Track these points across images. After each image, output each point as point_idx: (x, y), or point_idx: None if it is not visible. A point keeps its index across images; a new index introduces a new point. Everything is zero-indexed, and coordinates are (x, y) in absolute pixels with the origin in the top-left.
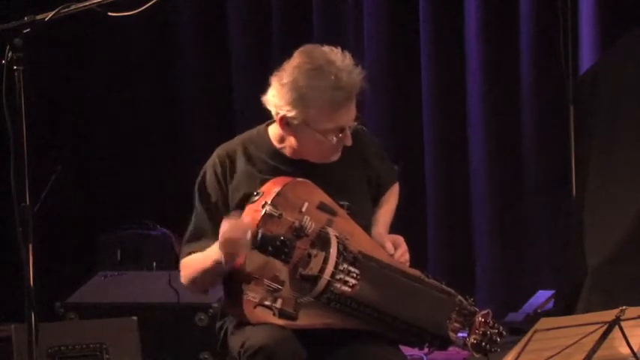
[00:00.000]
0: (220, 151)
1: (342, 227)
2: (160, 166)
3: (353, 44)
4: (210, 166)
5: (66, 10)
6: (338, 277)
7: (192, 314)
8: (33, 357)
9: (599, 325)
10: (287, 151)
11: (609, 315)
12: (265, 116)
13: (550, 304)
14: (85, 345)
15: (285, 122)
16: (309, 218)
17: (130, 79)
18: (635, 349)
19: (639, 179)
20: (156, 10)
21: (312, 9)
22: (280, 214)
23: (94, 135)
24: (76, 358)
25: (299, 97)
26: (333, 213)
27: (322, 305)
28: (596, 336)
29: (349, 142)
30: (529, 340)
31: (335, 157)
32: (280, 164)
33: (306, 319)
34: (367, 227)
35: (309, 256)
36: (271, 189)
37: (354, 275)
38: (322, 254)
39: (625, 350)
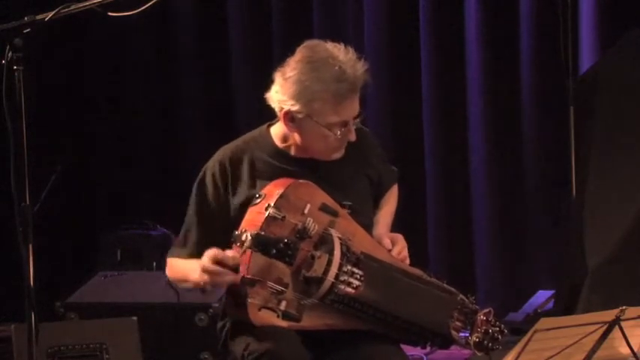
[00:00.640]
0: (221, 154)
1: (345, 228)
2: (159, 166)
3: (353, 44)
4: (210, 170)
5: (66, 10)
6: (342, 278)
7: (192, 314)
8: (33, 357)
9: (599, 325)
10: (290, 150)
11: (609, 315)
12: (265, 116)
13: (550, 304)
14: (85, 345)
15: (289, 117)
16: (311, 220)
17: (130, 79)
18: (635, 349)
19: (639, 179)
20: (156, 10)
21: (312, 9)
22: (283, 217)
23: (94, 135)
24: (76, 358)
25: (303, 90)
26: (335, 214)
27: (325, 307)
28: (596, 336)
29: (353, 138)
30: (529, 340)
31: (339, 154)
32: (284, 164)
33: (310, 321)
34: (369, 227)
35: (313, 257)
36: (273, 191)
37: (358, 276)
38: (326, 256)
39: (625, 350)
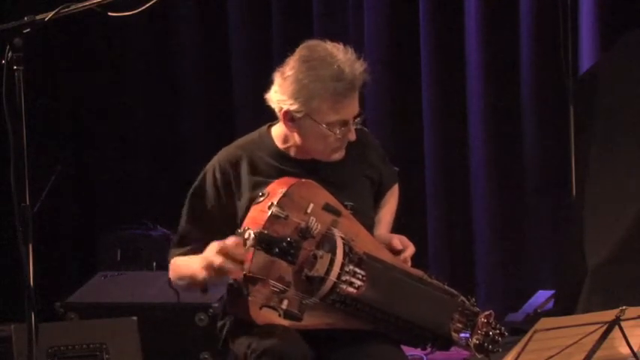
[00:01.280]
0: (222, 157)
1: (347, 228)
2: (159, 167)
3: (353, 44)
4: (211, 172)
5: (66, 10)
6: (344, 278)
7: (192, 314)
8: (33, 357)
9: (599, 325)
10: (291, 151)
11: (609, 315)
12: (265, 116)
13: (550, 304)
14: (85, 345)
15: (288, 117)
16: (314, 219)
17: (130, 79)
18: (635, 349)
19: (639, 179)
20: (156, 10)
21: (312, 9)
22: (287, 216)
23: (94, 135)
24: (76, 358)
25: (301, 89)
26: (337, 214)
27: (327, 306)
28: (596, 336)
29: (353, 137)
30: (529, 340)
31: (339, 156)
32: (284, 165)
33: (311, 320)
34: (370, 227)
35: (315, 257)
36: (277, 190)
37: (360, 277)
38: (328, 255)
39: (625, 350)
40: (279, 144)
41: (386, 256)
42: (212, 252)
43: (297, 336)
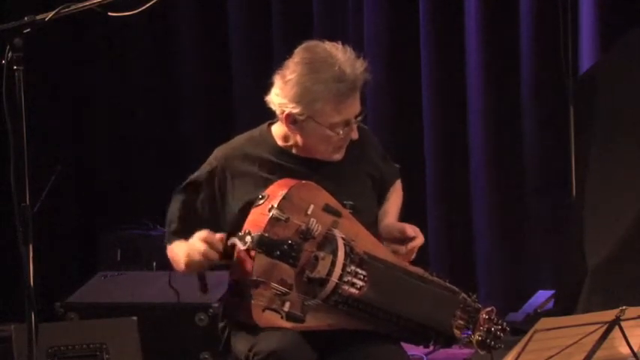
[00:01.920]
0: (220, 153)
1: (348, 228)
2: (159, 166)
3: (353, 45)
4: (207, 167)
5: (66, 10)
6: (346, 279)
7: (192, 314)
8: (33, 357)
9: (599, 325)
10: (292, 149)
11: (609, 315)
12: (265, 116)
13: (550, 304)
14: (85, 345)
15: (291, 120)
16: (315, 221)
17: (130, 78)
18: (635, 349)
19: (639, 179)
20: (156, 10)
21: (312, 9)
22: (287, 218)
23: (94, 135)
24: (76, 358)
25: (304, 92)
26: (338, 214)
27: (329, 307)
28: (596, 336)
29: (356, 136)
30: (529, 340)
31: (340, 156)
32: (285, 162)
33: (313, 321)
34: (371, 225)
35: (316, 258)
36: (276, 192)
37: (362, 277)
38: (329, 257)
39: (625, 350)
40: (279, 142)
41: (386, 256)
42: (198, 239)
43: (300, 338)
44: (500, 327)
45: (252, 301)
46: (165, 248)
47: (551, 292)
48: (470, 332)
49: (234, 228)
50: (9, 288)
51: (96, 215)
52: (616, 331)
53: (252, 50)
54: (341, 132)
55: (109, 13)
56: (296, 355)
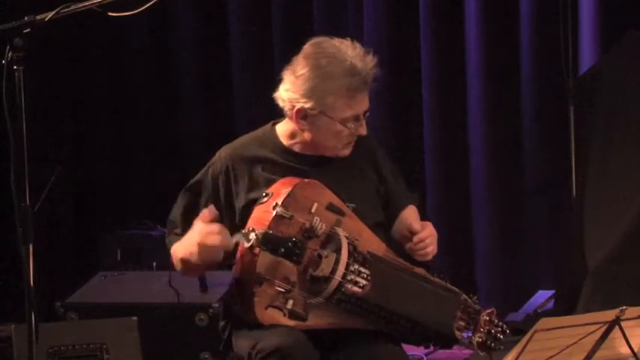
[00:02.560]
0: (223, 153)
1: (351, 227)
2: (160, 166)
3: None
4: (211, 169)
5: (66, 10)
6: (349, 277)
7: (192, 314)
8: (33, 357)
9: (599, 325)
10: (297, 148)
11: (609, 315)
12: (265, 115)
13: (550, 304)
14: (85, 345)
15: (301, 115)
16: (319, 219)
17: (130, 79)
18: (635, 349)
19: (639, 179)
20: (156, 10)
21: (312, 9)
22: (291, 216)
23: (94, 135)
24: (76, 358)
25: (315, 87)
26: (341, 213)
27: (331, 306)
28: (596, 336)
29: (364, 132)
30: (529, 340)
31: (348, 152)
32: (290, 161)
33: (315, 320)
34: (371, 229)
35: (320, 257)
36: (280, 190)
37: (365, 276)
38: (333, 255)
39: (625, 350)
40: (284, 141)
41: (388, 255)
42: (195, 242)
43: (303, 336)
44: (500, 329)
45: (255, 299)
46: (165, 248)
47: (551, 292)
48: (470, 333)
49: (237, 226)
50: (9, 288)
51: (96, 215)
52: (616, 331)
53: (252, 50)
54: (352, 127)
55: (109, 13)
56: (299, 352)
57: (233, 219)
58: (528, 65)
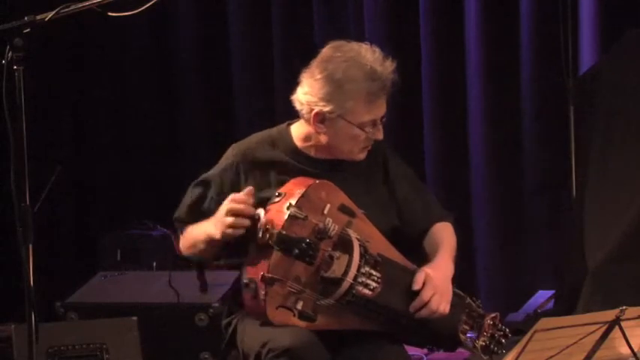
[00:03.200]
0: (235, 150)
1: (362, 229)
2: (160, 166)
3: None
4: (222, 164)
5: (66, 10)
6: (360, 280)
7: (192, 314)
8: (33, 357)
9: (599, 325)
10: (311, 151)
11: (609, 315)
12: (265, 115)
13: (550, 304)
14: (85, 345)
15: (319, 118)
16: (331, 220)
17: (130, 79)
18: (635, 349)
19: (639, 179)
20: (156, 10)
21: (312, 9)
22: (305, 217)
23: (94, 135)
24: (76, 358)
25: (335, 90)
26: (352, 215)
27: (341, 307)
28: (596, 336)
29: (381, 136)
30: (529, 340)
31: (363, 156)
32: (302, 164)
33: (324, 321)
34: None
35: (331, 258)
36: (294, 190)
37: (375, 278)
38: (345, 257)
39: (625, 350)
40: (298, 143)
41: (398, 258)
42: (222, 214)
43: (314, 337)
44: (502, 333)
45: (267, 298)
46: (164, 248)
47: (551, 292)
48: (474, 336)
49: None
50: (9, 288)
51: (96, 215)
52: (616, 331)
53: (252, 50)
54: (370, 131)
55: (109, 13)
56: (310, 353)
57: None
58: (528, 65)
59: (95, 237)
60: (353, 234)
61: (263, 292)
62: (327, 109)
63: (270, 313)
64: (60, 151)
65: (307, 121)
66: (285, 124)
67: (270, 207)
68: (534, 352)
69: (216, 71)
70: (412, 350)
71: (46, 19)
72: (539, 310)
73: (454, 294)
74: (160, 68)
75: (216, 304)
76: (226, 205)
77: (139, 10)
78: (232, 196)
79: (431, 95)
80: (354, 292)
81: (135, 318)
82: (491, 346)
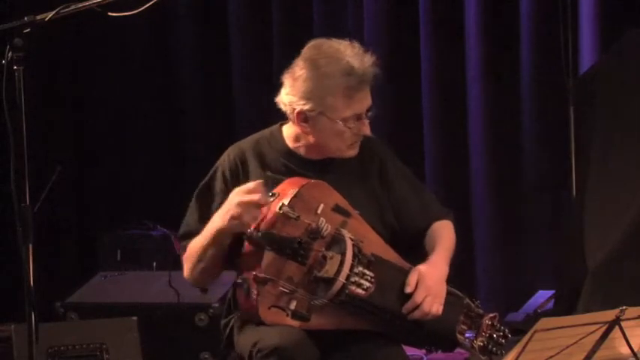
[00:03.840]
0: (232, 153)
1: (356, 229)
2: (159, 166)
3: None
4: (220, 169)
5: (66, 10)
6: (353, 279)
7: (192, 314)
8: (33, 357)
9: (599, 325)
10: (302, 151)
11: (609, 315)
12: (265, 115)
13: (550, 304)
14: (85, 345)
15: (302, 118)
16: (324, 220)
17: (130, 79)
18: (635, 349)
19: (639, 179)
20: (156, 11)
21: (312, 9)
22: (298, 216)
23: (94, 135)
24: (76, 358)
25: (313, 88)
26: (347, 215)
27: (334, 307)
28: (596, 336)
29: (368, 131)
30: (529, 340)
31: (354, 152)
32: (294, 164)
33: (318, 321)
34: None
35: (324, 258)
36: (287, 190)
37: (368, 278)
38: (338, 257)
39: (625, 350)
40: (289, 143)
41: (393, 258)
42: (233, 204)
43: (304, 335)
44: (501, 333)
45: (259, 298)
46: (164, 248)
47: (551, 292)
48: (472, 336)
49: None
50: (9, 288)
51: (96, 215)
52: (616, 331)
53: (252, 50)
54: (353, 126)
55: (109, 13)
56: (299, 352)
57: None
58: (528, 65)
59: (95, 237)
60: (347, 234)
61: (255, 292)
62: (307, 107)
63: (263, 312)
64: (60, 151)
65: (293, 121)
66: (278, 124)
67: (264, 207)
68: (534, 352)
69: (216, 71)
70: (412, 351)
71: (46, 19)
72: (539, 310)
73: (451, 294)
74: (159, 68)
75: (216, 304)
76: (235, 196)
77: (139, 10)
78: (242, 187)
79: (431, 95)
80: (346, 291)
81: (135, 318)
82: (490, 347)
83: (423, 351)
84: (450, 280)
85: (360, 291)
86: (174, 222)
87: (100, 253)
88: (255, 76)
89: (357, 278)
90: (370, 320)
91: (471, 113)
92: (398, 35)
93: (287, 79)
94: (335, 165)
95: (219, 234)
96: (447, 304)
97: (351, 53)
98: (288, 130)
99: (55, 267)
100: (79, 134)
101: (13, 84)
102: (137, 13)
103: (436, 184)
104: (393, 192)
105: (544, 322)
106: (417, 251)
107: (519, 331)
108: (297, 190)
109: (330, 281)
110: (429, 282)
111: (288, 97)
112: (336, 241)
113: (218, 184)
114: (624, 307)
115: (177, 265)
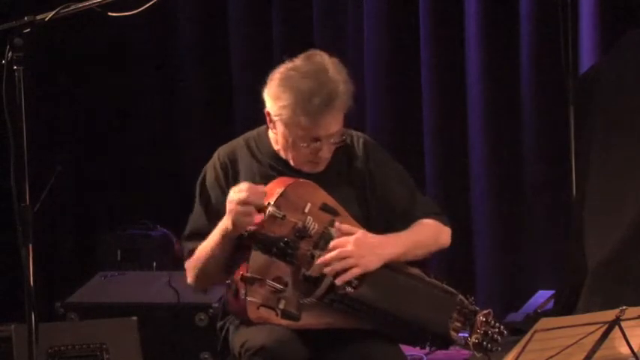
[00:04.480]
0: (221, 151)
1: None
2: (159, 167)
3: (353, 45)
4: (211, 167)
5: (66, 10)
6: None
7: (192, 314)
8: (33, 357)
9: (599, 325)
10: (282, 153)
11: (609, 315)
12: (265, 116)
13: (550, 304)
14: (85, 345)
15: (269, 118)
16: (312, 219)
17: (130, 79)
18: (635, 349)
19: (639, 179)
20: (156, 11)
21: (312, 12)
22: (283, 216)
23: (94, 135)
24: (76, 358)
25: (279, 95)
26: (335, 213)
27: (324, 306)
28: (596, 336)
29: (325, 156)
30: (529, 340)
31: (312, 170)
32: (277, 165)
33: (308, 320)
34: None
35: (312, 256)
36: (274, 190)
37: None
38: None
39: (625, 350)
40: (274, 144)
41: None
42: (234, 203)
43: (292, 335)
44: (497, 330)
45: (248, 298)
46: (164, 248)
47: (551, 292)
48: (467, 334)
49: None
50: (9, 288)
51: (96, 215)
52: (616, 331)
53: (252, 50)
54: (305, 145)
55: (109, 13)
56: (286, 350)
57: None
58: (528, 65)
59: (95, 237)
60: (335, 232)
61: (243, 292)
62: (271, 110)
63: (252, 312)
64: (60, 151)
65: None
66: (265, 126)
67: None
68: (534, 352)
69: (216, 71)
70: (412, 351)
71: (46, 19)
72: (539, 310)
73: (444, 291)
74: (159, 68)
75: (216, 304)
76: (235, 194)
77: (139, 10)
78: (241, 185)
79: (431, 95)
80: (335, 290)
81: (135, 318)
82: (485, 344)
83: (424, 351)
84: (447, 279)
85: (348, 289)
86: (174, 222)
87: (99, 253)
88: (255, 76)
89: None
90: (361, 318)
91: (471, 113)
92: (398, 35)
93: (270, 77)
94: (319, 174)
95: (225, 233)
96: (438, 300)
97: (331, 75)
98: (272, 132)
99: (55, 267)
100: (79, 134)
101: (13, 84)
102: (137, 13)
103: (436, 184)
104: (384, 193)
105: (544, 322)
106: None
107: (519, 331)
108: (282, 189)
109: (318, 280)
110: (359, 241)
111: (264, 93)
112: (323, 240)
113: (210, 185)
114: (624, 307)
115: (178, 265)
